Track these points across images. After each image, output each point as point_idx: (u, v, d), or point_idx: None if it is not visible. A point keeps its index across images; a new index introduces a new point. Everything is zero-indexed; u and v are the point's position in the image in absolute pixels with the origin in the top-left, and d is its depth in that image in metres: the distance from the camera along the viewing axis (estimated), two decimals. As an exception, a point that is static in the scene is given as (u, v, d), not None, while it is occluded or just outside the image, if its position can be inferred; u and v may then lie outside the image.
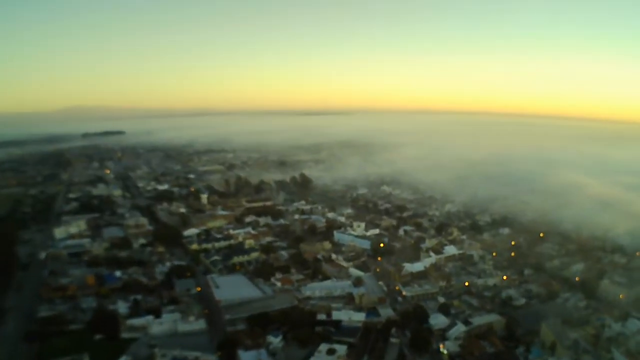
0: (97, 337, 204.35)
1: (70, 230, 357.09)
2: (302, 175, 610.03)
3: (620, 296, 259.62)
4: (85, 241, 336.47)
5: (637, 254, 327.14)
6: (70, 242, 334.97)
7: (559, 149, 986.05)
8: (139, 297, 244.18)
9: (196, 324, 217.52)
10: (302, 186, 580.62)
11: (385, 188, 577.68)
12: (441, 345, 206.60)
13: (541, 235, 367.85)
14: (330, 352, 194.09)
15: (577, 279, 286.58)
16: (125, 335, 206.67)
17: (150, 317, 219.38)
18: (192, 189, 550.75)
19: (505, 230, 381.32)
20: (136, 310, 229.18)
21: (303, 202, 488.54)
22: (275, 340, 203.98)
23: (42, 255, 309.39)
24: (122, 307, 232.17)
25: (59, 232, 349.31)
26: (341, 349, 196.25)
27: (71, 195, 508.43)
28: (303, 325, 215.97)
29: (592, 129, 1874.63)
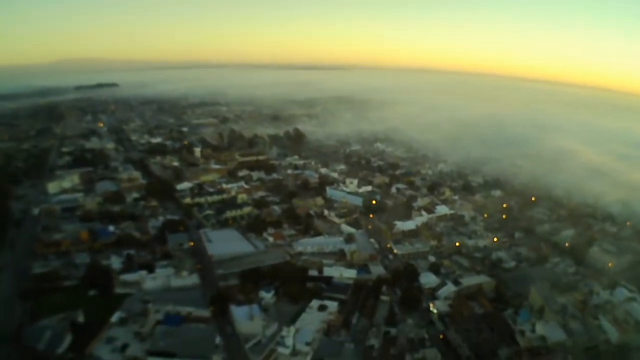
0: (91, 292, 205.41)
1: (63, 184, 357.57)
2: (296, 130, 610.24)
3: (609, 264, 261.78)
4: (79, 196, 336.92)
5: (628, 223, 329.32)
6: (63, 196, 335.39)
7: (554, 114, 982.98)
8: (132, 252, 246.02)
9: (189, 279, 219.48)
10: (295, 141, 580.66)
11: (379, 145, 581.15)
12: (431, 304, 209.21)
13: (533, 199, 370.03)
14: (322, 308, 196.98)
15: (567, 244, 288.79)
16: (118, 290, 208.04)
17: (143, 273, 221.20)
18: (186, 143, 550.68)
19: (497, 193, 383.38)
20: (129, 266, 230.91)
21: (296, 157, 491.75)
22: (267, 296, 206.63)
23: (36, 210, 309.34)
24: (115, 262, 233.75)
25: (52, 186, 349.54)
26: (332, 306, 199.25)
27: (64, 149, 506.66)
28: (295, 281, 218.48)
29: (589, 97, 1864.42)
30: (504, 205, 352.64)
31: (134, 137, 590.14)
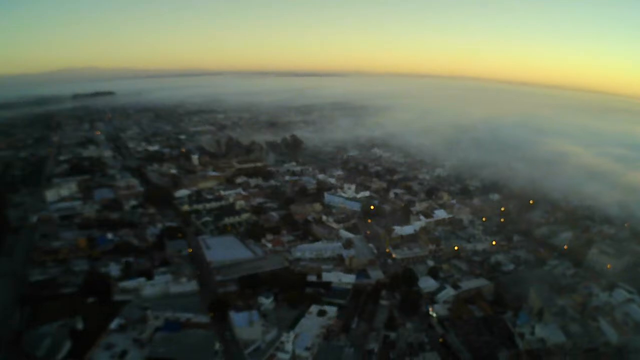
0: (90, 300, 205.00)
1: (61, 192, 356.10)
2: (293, 137, 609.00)
3: (608, 266, 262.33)
4: (77, 203, 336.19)
5: (626, 225, 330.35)
6: (61, 204, 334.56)
7: (551, 118, 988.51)
8: (130, 259, 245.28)
9: (188, 286, 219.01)
10: (293, 147, 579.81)
11: (376, 150, 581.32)
12: (430, 308, 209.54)
13: (531, 202, 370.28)
14: (321, 313, 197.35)
15: (565, 247, 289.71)
16: (117, 297, 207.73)
17: (142, 279, 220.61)
18: (183, 150, 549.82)
19: (495, 196, 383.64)
20: (128, 273, 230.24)
21: (294, 163, 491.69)
22: (267, 302, 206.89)
23: (34, 218, 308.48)
24: (114, 269, 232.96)
25: (49, 194, 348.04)
26: (331, 311, 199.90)
27: (62, 157, 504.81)
28: (294, 287, 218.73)
29: (586, 100, 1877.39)
30: (502, 209, 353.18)
31: (131, 145, 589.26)
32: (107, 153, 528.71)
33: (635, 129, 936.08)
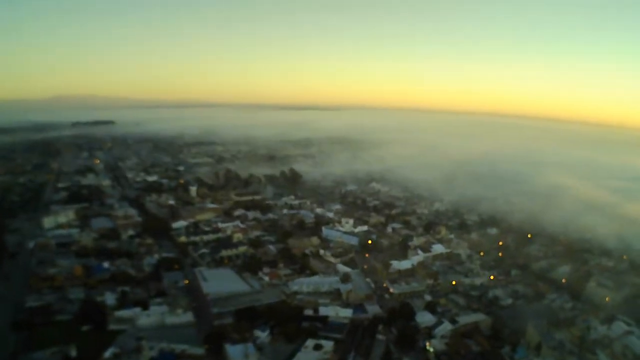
0: (85, 328, 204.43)
1: (58, 219, 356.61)
2: (292, 170, 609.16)
3: (607, 299, 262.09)
4: (74, 231, 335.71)
5: (624, 257, 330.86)
6: (58, 231, 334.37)
7: (548, 151, 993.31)
8: (126, 288, 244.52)
9: (184, 317, 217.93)
10: (291, 181, 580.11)
11: (374, 185, 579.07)
12: (427, 343, 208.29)
13: (529, 236, 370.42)
14: (317, 347, 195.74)
15: (563, 280, 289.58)
16: (112, 326, 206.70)
17: (137, 309, 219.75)
18: (181, 181, 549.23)
19: (493, 230, 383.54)
20: (124, 302, 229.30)
21: (292, 196, 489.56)
22: (262, 335, 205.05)
23: (30, 244, 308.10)
24: (109, 298, 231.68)
25: (47, 221, 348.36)
26: (328, 345, 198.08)
27: (60, 185, 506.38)
28: (290, 320, 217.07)
29: (582, 132, 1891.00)
30: (500, 243, 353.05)
31: (130, 175, 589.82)
32: (106, 182, 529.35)
33: (634, 160, 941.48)
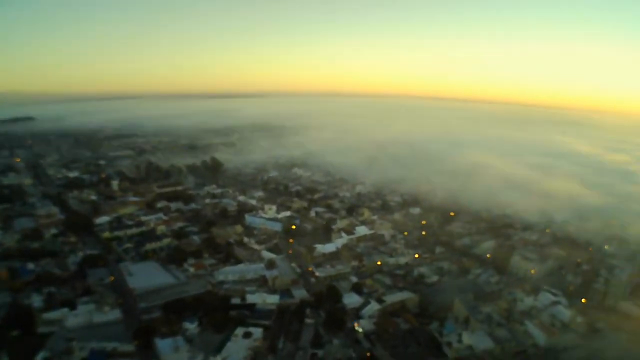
0: (13, 333, 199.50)
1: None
2: (213, 159, 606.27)
3: (532, 271, 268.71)
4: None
5: (547, 230, 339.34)
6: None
7: (467, 130, 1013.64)
8: (52, 289, 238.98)
9: (111, 314, 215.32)
10: (213, 170, 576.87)
11: (296, 170, 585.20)
12: (355, 324, 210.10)
13: (451, 214, 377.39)
14: (247, 335, 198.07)
15: (488, 255, 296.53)
16: (41, 329, 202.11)
17: (65, 310, 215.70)
18: (103, 176, 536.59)
19: (416, 210, 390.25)
20: (51, 303, 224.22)
21: (214, 185, 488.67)
22: (191, 327, 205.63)
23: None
24: (36, 300, 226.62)
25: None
26: (257, 332, 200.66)
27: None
28: (218, 310, 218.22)
29: (501, 111, 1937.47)
30: (423, 222, 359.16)
31: (51, 172, 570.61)
32: (28, 180, 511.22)
33: (550, 137, 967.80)
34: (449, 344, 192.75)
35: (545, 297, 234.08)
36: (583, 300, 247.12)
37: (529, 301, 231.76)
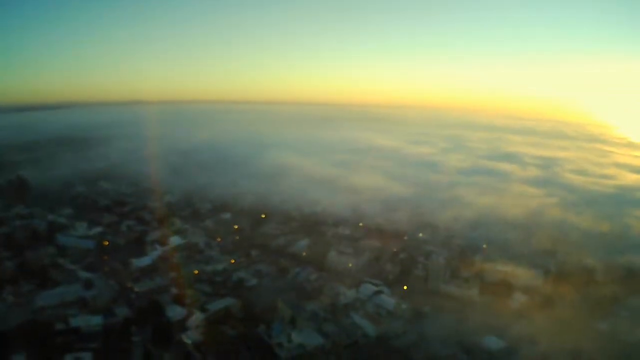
0: None
1: None
2: (19, 177, 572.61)
3: (349, 265, 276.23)
4: None
5: (360, 224, 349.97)
6: None
7: (270, 133, 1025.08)
8: None
9: None
10: (19, 189, 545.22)
11: (103, 183, 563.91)
12: (183, 336, 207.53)
13: (263, 216, 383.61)
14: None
15: (304, 253, 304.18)
16: None
17: None
18: None
19: (227, 215, 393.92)
20: None
21: (22, 206, 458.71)
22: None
23: None
24: None
25: None
26: (87, 356, 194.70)
27: None
28: (44, 339, 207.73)
29: (303, 112, 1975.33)
30: (236, 227, 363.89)
31: None
32: None
33: (355, 134, 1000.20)
34: (280, 345, 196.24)
35: (367, 288, 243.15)
36: (405, 287, 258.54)
37: (351, 294, 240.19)
